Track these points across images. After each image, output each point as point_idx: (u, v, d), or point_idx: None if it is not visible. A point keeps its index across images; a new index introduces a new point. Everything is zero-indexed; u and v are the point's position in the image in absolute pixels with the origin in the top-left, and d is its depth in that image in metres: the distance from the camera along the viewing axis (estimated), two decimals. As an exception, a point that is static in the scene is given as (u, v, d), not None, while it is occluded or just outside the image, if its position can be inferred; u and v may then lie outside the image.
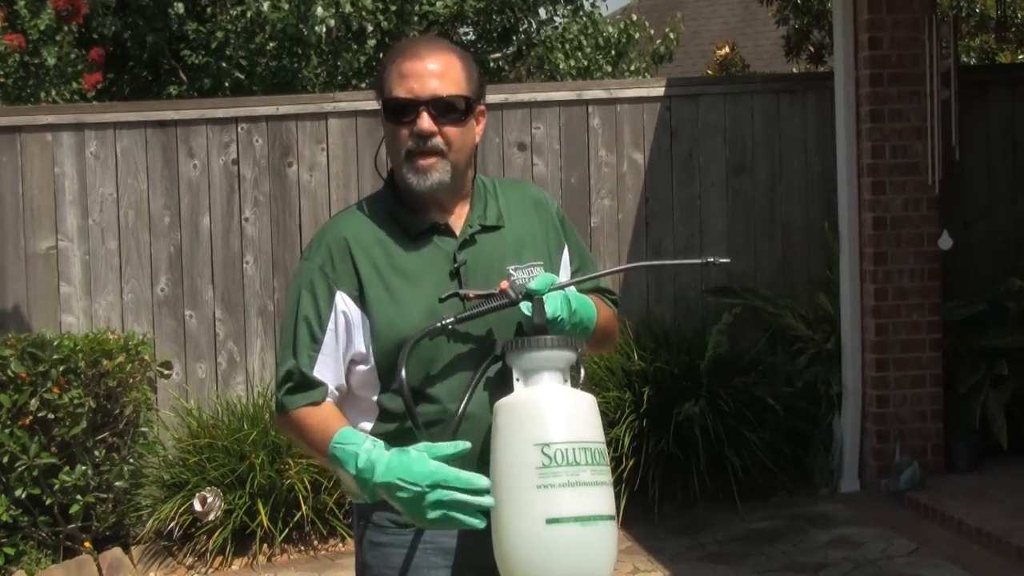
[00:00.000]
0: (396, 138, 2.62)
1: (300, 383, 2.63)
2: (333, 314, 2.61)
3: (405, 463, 2.44)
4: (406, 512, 2.47)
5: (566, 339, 2.56)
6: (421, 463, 2.43)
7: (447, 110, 2.60)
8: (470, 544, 2.62)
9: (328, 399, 2.64)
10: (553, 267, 2.74)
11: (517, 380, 2.54)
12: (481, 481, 2.43)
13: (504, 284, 2.60)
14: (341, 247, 2.63)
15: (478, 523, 2.44)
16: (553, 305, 2.58)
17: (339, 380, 2.65)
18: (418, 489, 2.42)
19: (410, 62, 2.60)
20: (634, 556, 6.21)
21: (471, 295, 2.60)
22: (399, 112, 2.60)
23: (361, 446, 2.50)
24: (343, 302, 2.61)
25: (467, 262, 2.64)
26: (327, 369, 2.63)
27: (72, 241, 7.13)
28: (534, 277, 2.65)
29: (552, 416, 2.48)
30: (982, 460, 6.98)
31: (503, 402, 2.53)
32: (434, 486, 2.42)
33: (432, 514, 2.43)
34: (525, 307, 2.57)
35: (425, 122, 2.58)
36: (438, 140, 2.59)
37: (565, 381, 2.56)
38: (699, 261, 2.72)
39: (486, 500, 2.43)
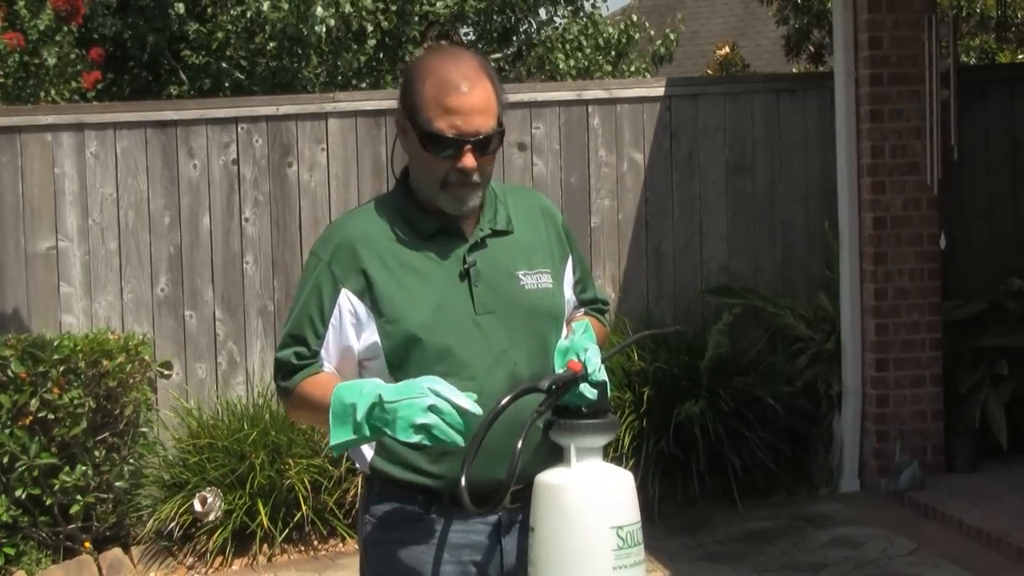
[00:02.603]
0: (433, 166, 2.63)
1: (296, 367, 2.66)
2: (337, 311, 2.64)
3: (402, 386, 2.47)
4: (392, 422, 2.42)
5: (617, 420, 2.65)
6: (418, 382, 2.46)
7: (487, 145, 2.63)
8: (477, 542, 2.65)
9: (326, 368, 2.66)
10: (558, 276, 2.78)
11: (571, 458, 2.56)
12: (473, 406, 2.43)
13: (576, 366, 2.60)
14: (349, 245, 2.66)
15: (459, 440, 2.41)
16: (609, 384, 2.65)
17: (336, 374, 2.68)
18: (413, 394, 2.42)
19: (454, 97, 2.59)
20: (634, 556, 6.20)
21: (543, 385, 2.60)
22: (440, 145, 2.61)
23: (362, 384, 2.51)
24: (348, 300, 2.64)
25: (476, 264, 2.67)
26: (327, 362, 2.67)
27: (72, 241, 7.13)
28: (544, 284, 2.71)
29: (624, 498, 2.54)
30: (982, 460, 6.98)
31: (566, 483, 2.54)
32: (430, 392, 2.42)
33: (420, 418, 2.39)
34: (588, 391, 2.59)
35: (470, 160, 2.61)
36: (477, 174, 2.63)
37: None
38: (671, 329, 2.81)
39: (476, 408, 2.43)
